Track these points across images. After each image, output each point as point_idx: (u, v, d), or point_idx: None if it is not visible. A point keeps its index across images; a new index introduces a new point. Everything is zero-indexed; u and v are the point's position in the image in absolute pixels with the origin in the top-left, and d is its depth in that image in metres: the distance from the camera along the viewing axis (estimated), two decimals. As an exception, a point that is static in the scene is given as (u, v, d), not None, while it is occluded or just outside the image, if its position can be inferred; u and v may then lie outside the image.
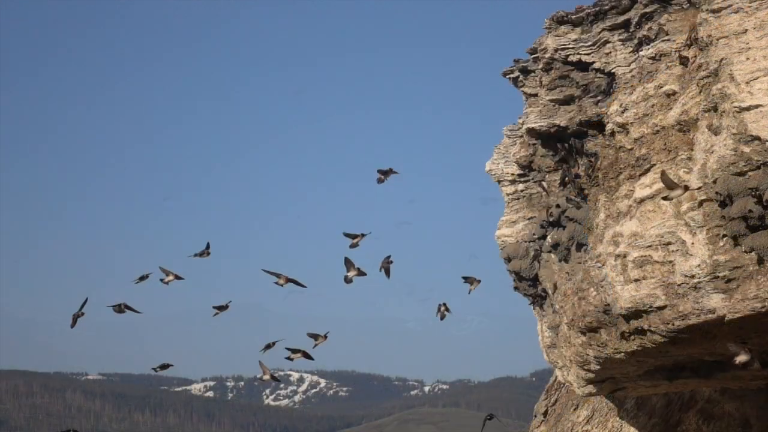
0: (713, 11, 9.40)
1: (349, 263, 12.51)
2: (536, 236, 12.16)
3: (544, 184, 12.12)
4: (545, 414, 16.01)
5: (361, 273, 12.59)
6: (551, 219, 11.84)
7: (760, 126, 8.99)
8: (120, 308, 13.24)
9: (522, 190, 12.38)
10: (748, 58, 9.14)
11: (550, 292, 12.07)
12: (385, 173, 12.97)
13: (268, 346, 13.18)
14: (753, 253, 9.39)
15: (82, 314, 13.26)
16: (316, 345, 12.91)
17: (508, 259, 12.43)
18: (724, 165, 9.26)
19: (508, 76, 12.27)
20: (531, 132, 11.83)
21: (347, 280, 12.47)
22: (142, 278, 13.37)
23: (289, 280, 12.41)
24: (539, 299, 12.48)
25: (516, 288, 12.62)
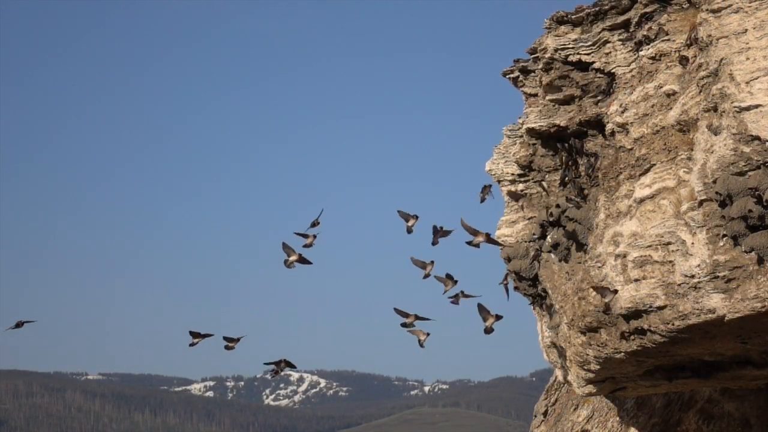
0: (713, 11, 9.40)
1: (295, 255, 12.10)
2: (536, 236, 12.16)
3: (544, 184, 12.12)
4: (545, 414, 16.00)
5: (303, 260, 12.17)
6: (551, 219, 11.85)
7: (760, 126, 8.99)
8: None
9: (522, 190, 12.38)
10: (748, 58, 9.14)
11: (550, 292, 12.07)
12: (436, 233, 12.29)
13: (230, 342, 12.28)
14: (753, 253, 9.39)
15: (318, 223, 12.32)
16: None
17: (508, 259, 12.43)
18: (724, 165, 9.26)
19: (508, 76, 12.27)
20: (531, 132, 11.83)
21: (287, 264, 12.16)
22: (197, 337, 12.18)
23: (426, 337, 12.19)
24: (539, 299, 12.48)
25: (516, 288, 12.62)
